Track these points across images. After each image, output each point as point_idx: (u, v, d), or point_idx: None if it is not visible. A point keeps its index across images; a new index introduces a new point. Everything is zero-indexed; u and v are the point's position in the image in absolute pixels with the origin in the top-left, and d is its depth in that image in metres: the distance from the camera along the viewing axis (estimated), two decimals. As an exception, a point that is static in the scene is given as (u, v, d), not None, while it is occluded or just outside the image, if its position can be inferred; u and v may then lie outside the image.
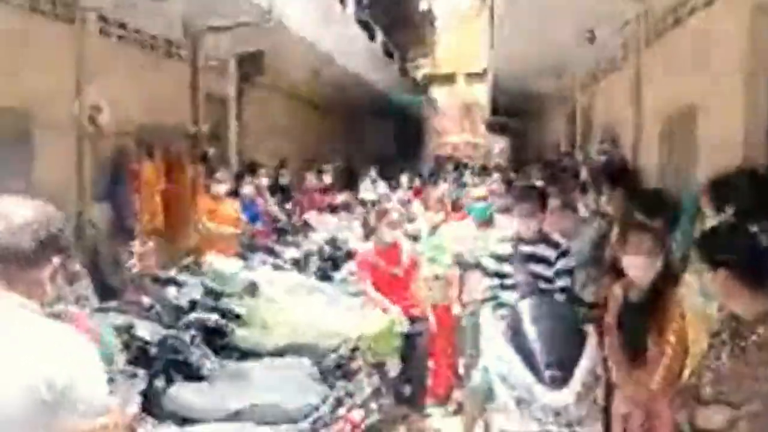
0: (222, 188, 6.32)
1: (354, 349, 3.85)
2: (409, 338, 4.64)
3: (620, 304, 3.06)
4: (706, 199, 3.14)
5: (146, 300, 3.65)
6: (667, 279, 2.92)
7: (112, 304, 3.73)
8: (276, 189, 8.27)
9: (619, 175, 4.91)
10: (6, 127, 4.45)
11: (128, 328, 3.11)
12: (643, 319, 2.92)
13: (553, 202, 4.48)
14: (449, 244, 5.17)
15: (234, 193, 6.69)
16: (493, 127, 19.36)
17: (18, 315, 1.48)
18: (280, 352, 3.76)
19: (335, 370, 3.67)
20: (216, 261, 4.63)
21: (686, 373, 2.61)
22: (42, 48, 4.77)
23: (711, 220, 3.08)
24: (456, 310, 5.01)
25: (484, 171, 10.84)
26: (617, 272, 3.13)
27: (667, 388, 2.77)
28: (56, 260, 1.57)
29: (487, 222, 5.11)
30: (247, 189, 7.04)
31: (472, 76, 21.57)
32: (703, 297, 2.54)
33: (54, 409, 1.42)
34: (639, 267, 2.95)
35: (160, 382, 3.21)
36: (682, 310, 2.78)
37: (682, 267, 3.00)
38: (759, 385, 2.18)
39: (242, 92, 8.57)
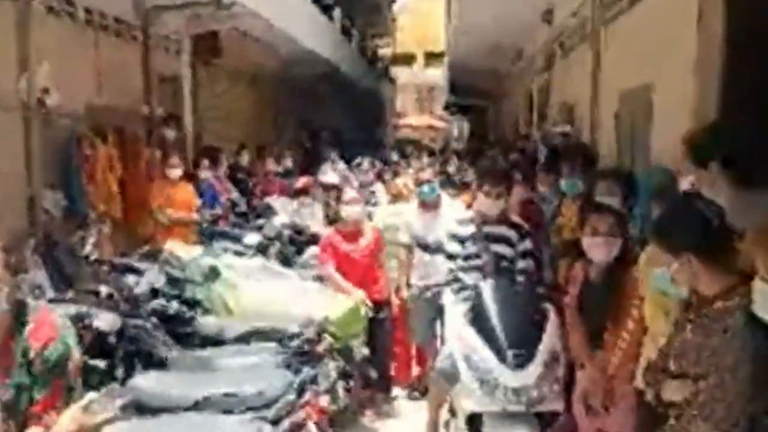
0: (178, 172, 6.18)
1: (319, 334, 3.84)
2: (373, 322, 4.66)
3: (581, 285, 3.11)
4: (684, 156, 3.12)
5: (104, 289, 3.55)
6: (626, 260, 2.97)
7: (69, 294, 3.62)
8: (235, 173, 8.13)
9: (577, 156, 4.98)
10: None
11: (85, 319, 3.03)
12: (603, 299, 2.97)
13: (515, 184, 4.51)
14: (409, 227, 5.18)
15: (191, 178, 6.55)
16: (453, 109, 19.44)
17: None
18: (243, 338, 3.72)
19: (300, 355, 3.65)
20: (175, 247, 4.52)
21: (649, 350, 2.67)
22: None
23: (685, 182, 3.07)
24: (405, 293, 5.02)
25: (440, 153, 10.89)
26: (578, 253, 3.18)
27: (625, 367, 2.84)
28: None
29: (433, 204, 5.11)
30: (204, 173, 6.90)
31: (431, 57, 21.57)
32: (661, 279, 2.60)
33: None
34: (598, 248, 2.99)
35: (121, 372, 3.14)
36: (640, 290, 2.83)
37: (640, 247, 3.05)
38: (717, 358, 2.25)
39: (197, 74, 8.37)
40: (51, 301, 3.46)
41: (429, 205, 5.11)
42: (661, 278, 2.53)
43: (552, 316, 3.40)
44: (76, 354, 2.16)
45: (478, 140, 16.41)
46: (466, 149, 13.54)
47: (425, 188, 5.21)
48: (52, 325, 2.09)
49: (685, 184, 3.05)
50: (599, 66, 6.10)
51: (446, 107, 20.80)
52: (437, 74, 20.86)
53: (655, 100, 4.61)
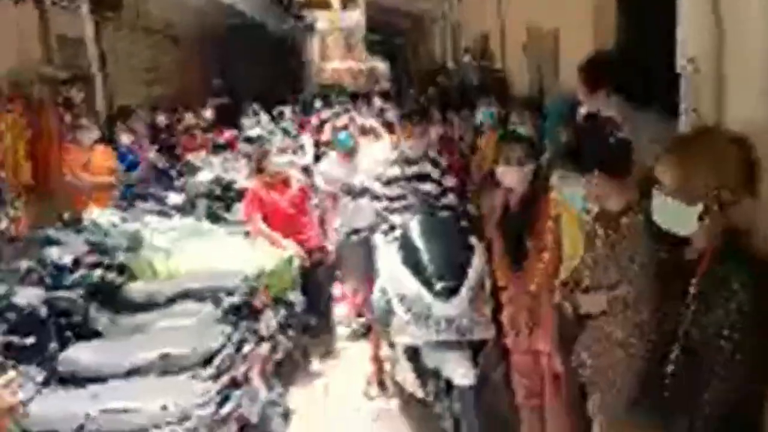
0: (91, 136, 5.93)
1: (253, 287, 3.86)
2: (309, 269, 4.70)
3: (500, 213, 3.22)
4: (581, 82, 3.27)
5: (24, 264, 3.43)
6: (539, 185, 3.09)
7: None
8: (153, 132, 7.85)
9: (492, 87, 5.08)
10: None
11: (6, 297, 2.94)
12: (521, 225, 3.09)
13: (436, 122, 4.56)
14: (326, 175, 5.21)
15: (106, 140, 6.29)
16: (373, 50, 19.20)
17: None
18: (175, 300, 3.69)
19: (235, 310, 3.67)
20: (95, 214, 4.38)
21: (565, 268, 2.81)
22: None
23: (585, 106, 3.25)
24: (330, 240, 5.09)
25: (356, 97, 10.81)
26: (496, 183, 3.27)
27: (545, 287, 2.98)
28: None
29: (351, 151, 5.14)
30: (121, 135, 6.65)
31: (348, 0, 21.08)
32: (574, 199, 2.72)
33: None
34: (512, 175, 3.09)
35: (53, 346, 3.08)
36: (556, 211, 2.96)
37: (550, 172, 3.18)
38: (625, 269, 2.41)
39: (99, 31, 7.92)
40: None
41: (347, 153, 5.12)
42: (574, 198, 2.66)
43: (477, 246, 3.52)
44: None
45: (400, 79, 16.36)
46: (387, 89, 13.49)
47: (341, 136, 5.23)
48: None
49: (583, 109, 3.21)
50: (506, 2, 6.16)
51: (368, 48, 20.52)
52: (355, 16, 20.46)
53: (561, 33, 4.72)
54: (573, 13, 4.32)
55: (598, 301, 2.49)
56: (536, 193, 3.05)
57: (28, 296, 3.05)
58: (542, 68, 5.21)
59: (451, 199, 3.91)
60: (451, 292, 3.28)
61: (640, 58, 3.31)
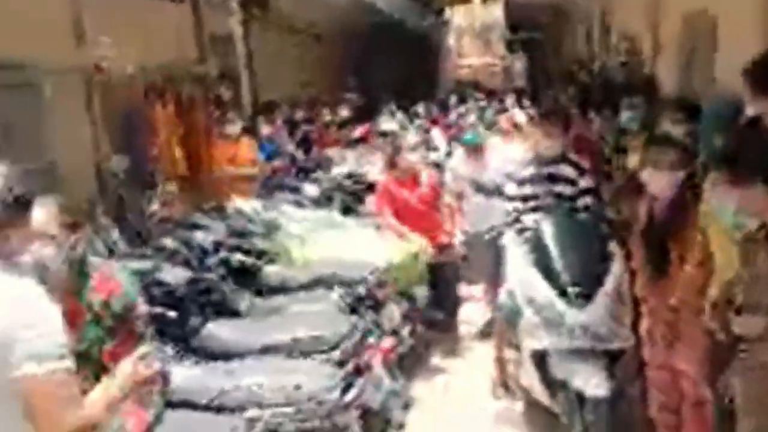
0: (236, 129, 6.30)
1: (381, 279, 3.91)
2: (436, 265, 4.68)
3: (644, 220, 3.01)
4: (748, 84, 2.95)
5: (171, 244, 3.70)
6: (690, 193, 2.85)
7: (139, 250, 3.79)
8: (293, 126, 8.20)
9: (639, 87, 4.76)
10: (15, 80, 4.42)
11: (153, 273, 3.17)
12: (666, 234, 2.87)
13: (575, 121, 4.36)
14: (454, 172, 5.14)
15: (249, 133, 6.65)
16: (512, 47, 18.80)
17: None
18: (308, 286, 3.83)
19: (363, 300, 3.73)
20: (238, 202, 4.65)
21: (716, 285, 2.58)
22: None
23: (750, 109, 2.92)
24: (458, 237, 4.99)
25: (493, 94, 10.61)
26: (639, 189, 3.06)
27: (688, 301, 2.76)
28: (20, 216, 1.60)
29: (477, 148, 5.02)
30: (263, 128, 7.00)
31: (487, -5, 20.76)
32: (727, 211, 2.47)
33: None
34: (660, 182, 2.87)
35: (195, 322, 3.29)
36: (704, 223, 2.72)
37: (703, 179, 2.91)
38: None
39: (248, 30, 8.39)
40: (124, 256, 3.64)
41: (475, 149, 5.04)
42: (728, 209, 2.42)
43: (616, 252, 3.32)
44: (142, 305, 2.28)
45: (538, 77, 15.90)
46: (523, 87, 13.14)
47: (468, 134, 5.13)
48: (113, 278, 2.20)
49: (750, 111, 2.88)
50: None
51: (507, 45, 20.14)
52: (494, 11, 20.12)
53: (720, 28, 4.32)
54: (735, 3, 3.94)
55: (755, 324, 2.27)
56: (685, 202, 2.81)
57: (173, 274, 3.28)
58: (697, 65, 4.81)
59: (588, 201, 3.71)
60: (585, 299, 3.12)
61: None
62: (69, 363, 1.51)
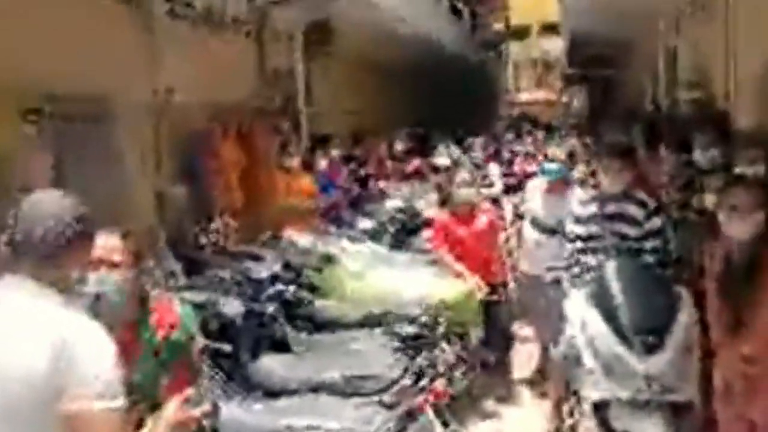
0: (295, 162, 6.38)
1: (434, 318, 3.82)
2: (490, 305, 4.56)
3: (721, 265, 2.84)
4: None
5: (228, 275, 3.72)
6: (770, 236, 2.68)
7: (197, 281, 3.83)
8: (349, 159, 8.26)
9: (713, 124, 4.56)
10: (86, 113, 4.60)
11: (212, 304, 3.19)
12: (745, 280, 2.70)
13: (641, 159, 4.20)
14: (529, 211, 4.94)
15: (307, 166, 6.73)
16: (572, 81, 18.58)
17: (29, 301, 1.54)
18: (361, 323, 3.78)
19: (416, 340, 3.64)
20: (293, 234, 4.67)
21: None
22: (112, 33, 4.88)
23: None
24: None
25: (558, 129, 10.43)
26: (714, 231, 2.90)
27: (765, 353, 2.57)
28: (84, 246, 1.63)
29: (560, 184, 4.76)
30: (320, 161, 7.07)
31: (546, 28, 20.71)
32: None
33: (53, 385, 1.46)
34: (738, 224, 2.71)
35: (246, 356, 3.28)
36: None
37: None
38: None
39: (310, 64, 8.55)
40: (182, 288, 3.68)
41: (556, 187, 4.72)
42: None
43: (685, 298, 3.15)
44: (199, 339, 2.27)
45: (599, 112, 15.62)
46: (580, 122, 12.91)
47: (552, 167, 4.78)
48: (174, 312, 2.20)
49: None
50: (733, 33, 5.53)
51: (566, 79, 19.95)
52: (553, 46, 20.03)
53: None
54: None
55: None
56: (766, 245, 2.64)
57: (231, 306, 3.28)
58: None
59: (656, 243, 3.54)
60: (651, 348, 2.95)
61: None
62: (121, 402, 1.51)
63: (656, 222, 3.58)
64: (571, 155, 5.02)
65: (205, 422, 1.99)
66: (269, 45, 7.39)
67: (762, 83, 4.98)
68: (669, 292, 3.19)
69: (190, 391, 1.75)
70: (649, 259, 3.49)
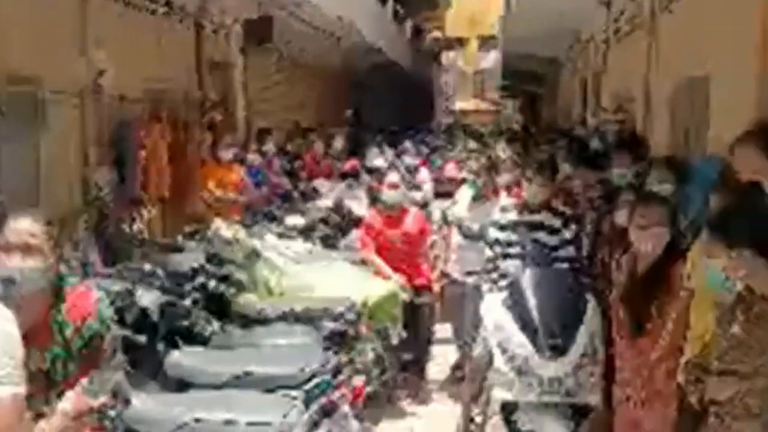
0: (229, 155, 6.32)
1: (357, 316, 3.87)
2: (413, 306, 4.65)
3: (627, 275, 3.02)
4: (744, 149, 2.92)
5: (148, 266, 3.65)
6: (675, 251, 2.87)
7: (115, 270, 3.74)
8: (284, 155, 8.23)
9: (630, 144, 4.82)
10: (15, 93, 4.42)
11: (129, 295, 3.13)
12: (648, 292, 2.88)
13: (563, 173, 4.40)
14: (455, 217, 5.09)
15: (240, 160, 6.67)
16: (506, 93, 19.11)
17: None
18: (283, 318, 3.79)
19: (337, 336, 3.69)
20: (220, 227, 4.62)
21: (692, 348, 2.59)
22: (42, 13, 4.71)
23: (748, 173, 2.86)
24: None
25: (487, 138, 10.71)
26: (623, 244, 3.08)
27: (665, 362, 2.75)
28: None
29: (486, 192, 4.97)
30: (252, 156, 7.02)
31: (484, 40, 21.23)
32: (715, 274, 2.48)
33: None
34: (645, 239, 2.90)
35: (162, 348, 3.24)
36: (687, 284, 2.73)
37: (693, 238, 2.94)
38: (765, 358, 2.17)
39: (248, 58, 8.47)
40: (98, 276, 3.58)
41: (481, 193, 4.92)
42: (715, 273, 2.42)
43: (591, 305, 3.32)
44: (114, 330, 2.23)
45: (528, 125, 16.13)
46: (514, 135, 13.31)
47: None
48: (89, 301, 2.15)
49: (747, 175, 2.89)
50: (655, 52, 5.88)
51: (502, 92, 20.49)
52: (490, 59, 20.54)
53: (713, 88, 4.42)
54: (729, 68, 4.03)
55: (727, 388, 2.26)
56: (670, 261, 2.83)
57: (149, 297, 3.23)
58: (690, 125, 4.89)
59: (570, 252, 3.73)
60: (560, 352, 3.10)
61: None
62: (21, 389, 1.48)
63: (572, 232, 3.76)
64: (493, 166, 5.19)
65: (112, 413, 1.97)
66: (207, 36, 7.28)
67: (674, 107, 5.31)
68: (578, 299, 3.36)
69: (84, 382, 1.73)
70: (563, 267, 3.66)
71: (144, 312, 3.15)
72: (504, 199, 4.84)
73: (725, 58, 4.15)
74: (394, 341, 4.31)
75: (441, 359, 5.24)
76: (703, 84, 4.57)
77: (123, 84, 5.42)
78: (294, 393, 3.03)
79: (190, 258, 3.91)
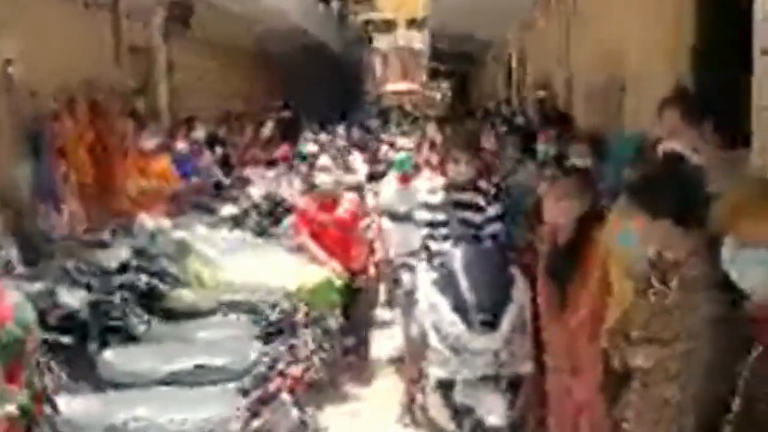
0: (152, 143, 6.12)
1: (293, 304, 3.85)
2: (350, 291, 4.67)
3: (547, 249, 3.12)
4: (663, 117, 3.03)
5: (72, 264, 3.52)
6: (592, 224, 2.97)
7: (36, 269, 3.59)
8: (213, 143, 8.05)
9: (554, 121, 4.97)
10: None
11: (51, 295, 3.01)
12: (568, 263, 2.98)
13: (488, 150, 4.48)
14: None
15: (166, 149, 6.47)
16: (434, 74, 19.26)
17: None
18: (217, 311, 3.72)
19: (274, 326, 3.66)
20: (147, 220, 4.48)
21: (612, 315, 2.69)
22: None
23: (664, 144, 3.00)
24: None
25: (419, 120, 10.82)
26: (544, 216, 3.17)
27: (589, 329, 2.86)
28: None
29: (408, 175, 5.06)
30: (180, 144, 6.83)
31: (412, 23, 21.28)
32: (627, 238, 2.59)
33: None
34: (560, 210, 2.99)
35: (93, 348, 3.14)
36: (604, 252, 2.84)
37: (608, 210, 3.05)
38: (684, 323, 2.28)
39: (171, 44, 8.20)
40: (18, 277, 3.43)
41: (405, 176, 5.04)
42: (626, 232, 2.51)
43: (518, 279, 3.42)
44: (36, 333, 2.14)
45: (456, 105, 16.35)
46: (444, 115, 13.48)
47: (400, 156, 5.14)
48: (6, 305, 2.06)
49: (662, 147, 3.02)
50: (573, 31, 6.06)
51: (431, 73, 20.62)
52: (419, 39, 20.61)
53: (629, 63, 4.59)
54: (644, 41, 4.19)
55: (648, 355, 2.37)
56: (587, 232, 2.94)
57: (73, 296, 3.12)
58: (608, 100, 5.07)
59: (495, 228, 3.81)
60: (490, 326, 3.19)
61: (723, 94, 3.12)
62: None
63: (496, 209, 3.83)
64: (420, 145, 5.28)
65: (41, 418, 1.91)
66: (124, 20, 6.99)
67: (591, 85, 5.50)
68: (505, 274, 3.45)
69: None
70: (490, 243, 3.74)
71: (71, 312, 3.04)
72: (429, 175, 4.94)
73: (640, 33, 4.32)
74: (333, 327, 4.31)
75: (385, 341, 5.29)
76: (619, 58, 4.74)
77: (35, 73, 5.15)
78: (231, 385, 3.00)
79: (117, 253, 3.78)
